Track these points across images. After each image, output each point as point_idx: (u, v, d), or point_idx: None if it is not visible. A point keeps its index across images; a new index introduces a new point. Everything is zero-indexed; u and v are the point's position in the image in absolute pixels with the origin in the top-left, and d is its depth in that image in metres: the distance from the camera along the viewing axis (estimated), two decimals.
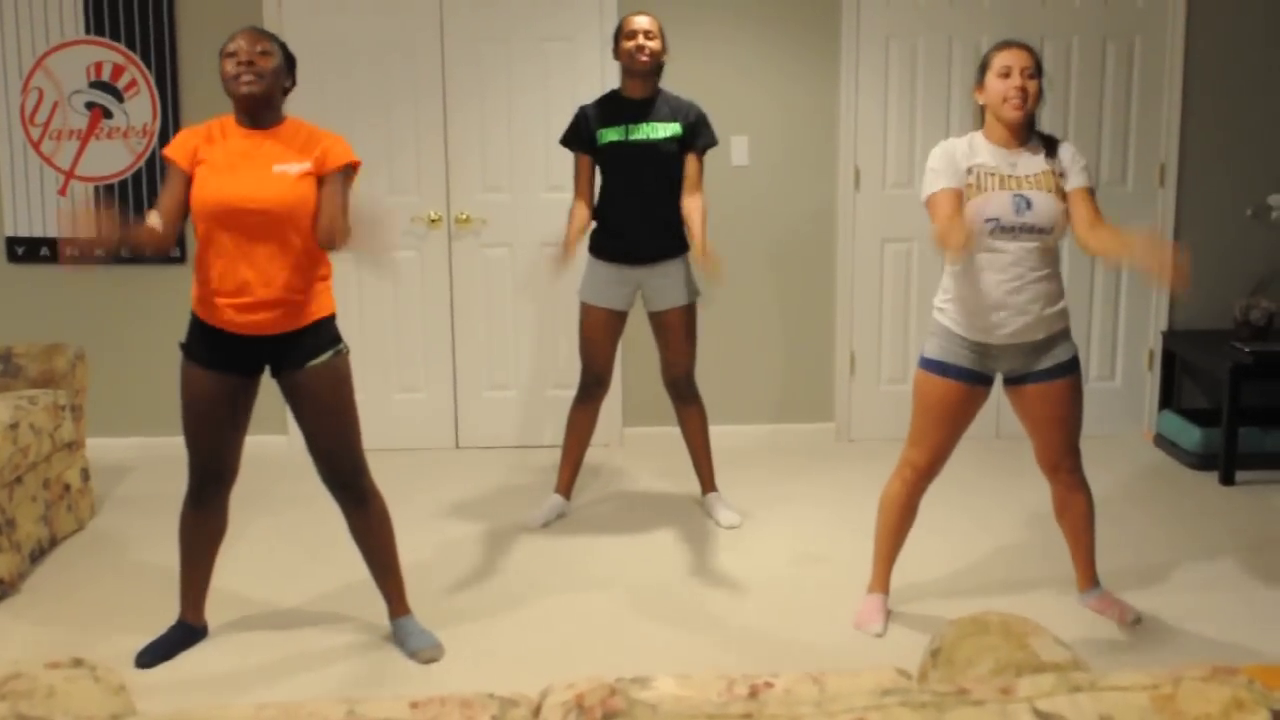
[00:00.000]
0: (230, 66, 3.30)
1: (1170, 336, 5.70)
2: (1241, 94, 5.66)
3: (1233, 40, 5.61)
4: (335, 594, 4.04)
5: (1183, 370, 5.81)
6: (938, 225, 3.38)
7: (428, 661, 3.55)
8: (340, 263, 5.49)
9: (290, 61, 3.43)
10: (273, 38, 3.37)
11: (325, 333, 3.44)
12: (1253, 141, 5.69)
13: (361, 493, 3.54)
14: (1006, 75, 3.45)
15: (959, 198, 3.46)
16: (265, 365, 3.45)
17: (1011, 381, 3.66)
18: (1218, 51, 5.61)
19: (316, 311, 3.42)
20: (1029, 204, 3.44)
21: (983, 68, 3.53)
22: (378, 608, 3.86)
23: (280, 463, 5.44)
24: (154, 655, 3.56)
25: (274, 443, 5.54)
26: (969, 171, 3.49)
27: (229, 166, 3.29)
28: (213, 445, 3.47)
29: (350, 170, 3.38)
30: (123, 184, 5.43)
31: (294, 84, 3.47)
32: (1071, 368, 3.63)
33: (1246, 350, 5.12)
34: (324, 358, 3.41)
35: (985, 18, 5.54)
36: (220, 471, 3.52)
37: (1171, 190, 5.69)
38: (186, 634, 3.66)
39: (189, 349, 3.42)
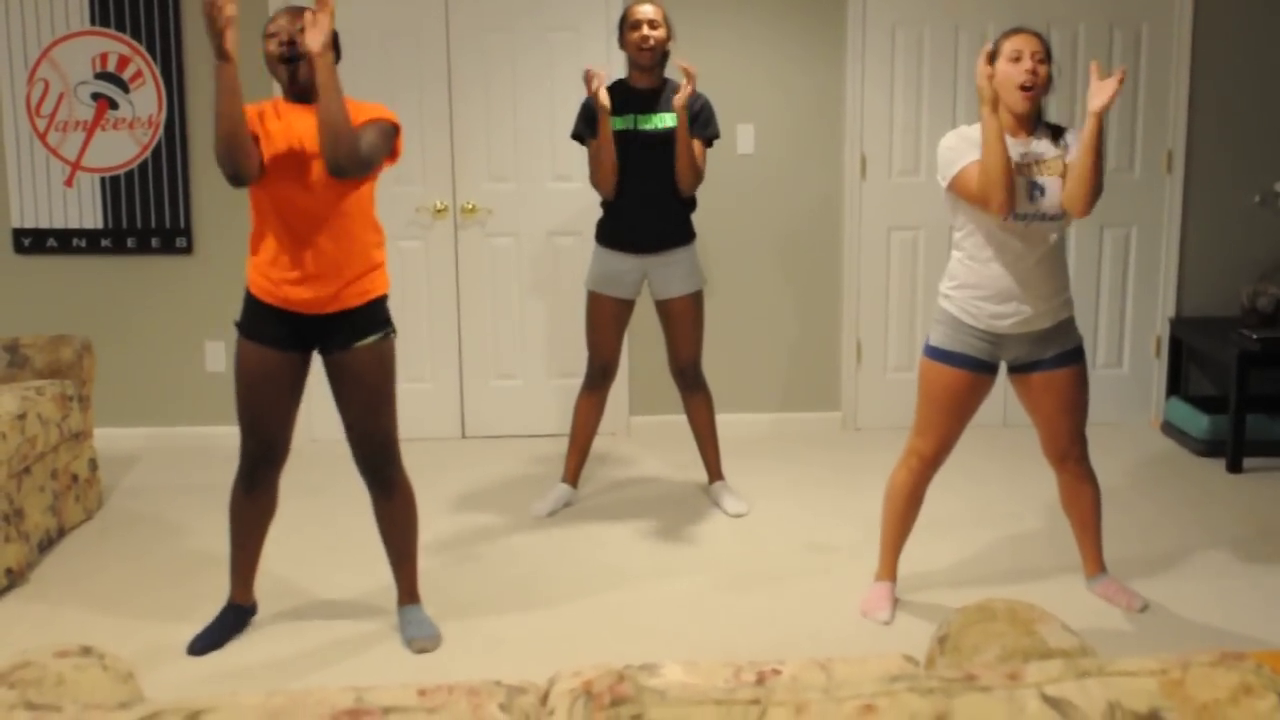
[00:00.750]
0: (274, 47, 3.30)
1: (1177, 324, 5.69)
2: (1249, 81, 5.64)
3: (1240, 27, 5.59)
4: (345, 583, 4.05)
5: (1190, 358, 5.80)
6: (978, 183, 3.38)
7: (420, 651, 3.56)
8: None
9: (334, 37, 3.42)
10: None
11: (377, 314, 3.45)
12: (1260, 128, 5.67)
13: (390, 482, 3.55)
14: (1017, 60, 3.43)
15: None
16: (316, 344, 3.45)
17: (1017, 370, 3.66)
18: (1225, 38, 5.59)
19: (371, 290, 3.43)
20: (1042, 191, 3.43)
21: (992, 55, 3.51)
22: (387, 597, 3.87)
23: (293, 451, 5.43)
24: (206, 642, 3.57)
25: None
26: None
27: (285, 137, 3.29)
28: (269, 423, 3.47)
29: (387, 125, 3.35)
30: (129, 175, 5.44)
31: (339, 57, 3.45)
32: (1077, 356, 3.62)
33: (1254, 337, 5.11)
34: (371, 339, 3.43)
35: (991, 5, 5.52)
36: (274, 450, 3.52)
37: (1179, 177, 5.68)
38: (238, 616, 3.67)
39: (245, 327, 3.43)
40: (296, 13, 3.33)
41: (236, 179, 3.22)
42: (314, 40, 3.17)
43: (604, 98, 4.29)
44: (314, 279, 3.34)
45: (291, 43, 3.28)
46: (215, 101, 3.16)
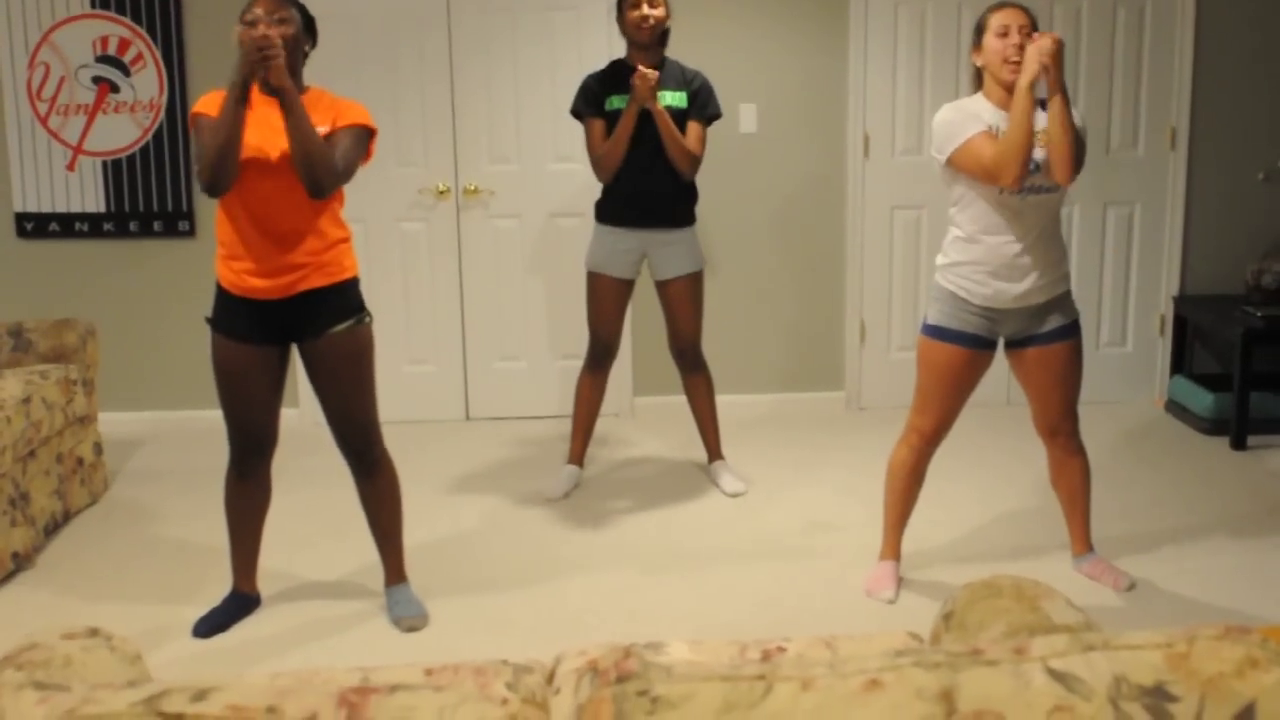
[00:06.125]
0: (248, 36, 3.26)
1: (1181, 301, 5.68)
2: (1253, 57, 5.62)
3: (1244, 3, 5.57)
4: (349, 566, 4.06)
5: (1194, 335, 5.79)
6: (992, 155, 3.35)
7: (409, 630, 3.57)
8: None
9: (309, 23, 3.40)
10: (292, 2, 3.33)
11: (349, 298, 3.43)
12: (1264, 105, 5.65)
13: (373, 461, 3.55)
14: (1005, 35, 3.43)
15: (994, 138, 3.42)
16: (290, 335, 3.43)
17: (1013, 345, 3.66)
18: (1229, 14, 5.57)
19: (339, 272, 3.40)
20: (1036, 165, 3.42)
21: (979, 29, 3.50)
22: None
23: (291, 436, 5.45)
24: (211, 625, 3.58)
25: (285, 415, 5.54)
26: (988, 128, 3.47)
27: (255, 125, 3.25)
28: (250, 416, 3.47)
29: (363, 131, 3.35)
30: (130, 158, 5.43)
31: (315, 44, 3.43)
32: (1073, 331, 3.62)
33: (1258, 315, 5.10)
34: (345, 325, 3.41)
35: None
36: (261, 441, 3.52)
37: (1183, 154, 5.66)
38: (242, 603, 3.68)
39: (217, 323, 3.42)
40: (276, 2, 3.28)
41: (214, 190, 3.22)
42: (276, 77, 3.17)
43: (645, 92, 4.27)
44: (277, 265, 3.31)
45: (265, 42, 3.19)
46: (220, 125, 3.14)
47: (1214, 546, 4.10)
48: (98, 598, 3.83)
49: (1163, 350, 5.83)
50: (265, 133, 3.25)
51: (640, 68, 4.29)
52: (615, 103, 4.41)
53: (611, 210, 4.51)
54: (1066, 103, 3.36)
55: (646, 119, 4.36)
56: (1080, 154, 3.41)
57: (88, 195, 5.45)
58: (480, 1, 5.43)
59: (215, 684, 1.38)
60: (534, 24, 5.45)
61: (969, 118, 3.46)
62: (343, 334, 3.41)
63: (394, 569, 3.70)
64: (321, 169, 3.20)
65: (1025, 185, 3.43)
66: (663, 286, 4.58)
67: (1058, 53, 3.30)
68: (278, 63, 3.14)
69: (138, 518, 4.52)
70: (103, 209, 5.46)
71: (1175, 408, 5.58)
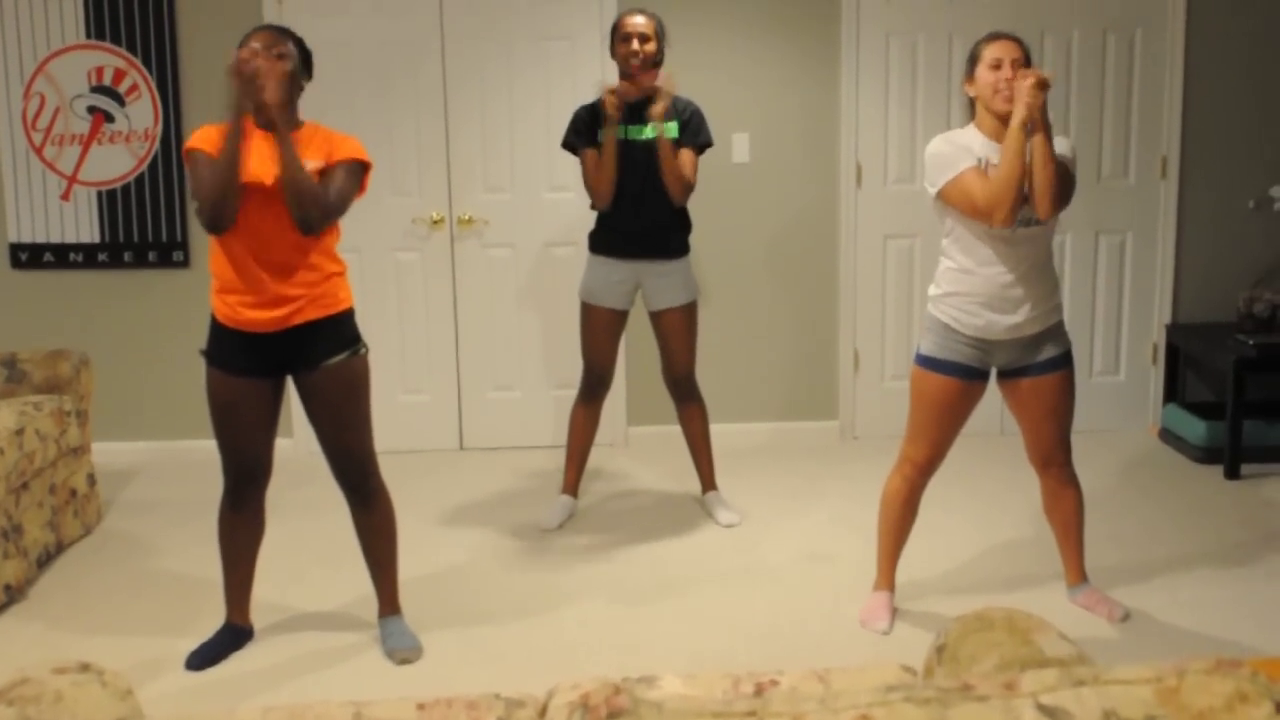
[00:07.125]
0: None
1: (1174, 330, 5.70)
2: (1243, 86, 5.65)
3: (1234, 32, 5.61)
4: (343, 598, 4.05)
5: (1187, 364, 5.80)
6: (983, 194, 3.37)
7: (402, 662, 3.56)
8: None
9: (306, 57, 3.42)
10: (289, 36, 3.34)
11: (344, 330, 3.43)
12: (1254, 133, 5.68)
13: (369, 493, 3.55)
14: (997, 67, 3.45)
15: (985, 175, 3.44)
16: (285, 367, 3.43)
17: (1006, 375, 3.66)
18: (1219, 43, 5.61)
19: (334, 304, 3.41)
20: (1025, 197, 3.44)
21: (972, 60, 3.52)
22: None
23: (285, 467, 5.43)
24: (204, 658, 3.57)
25: (279, 445, 5.52)
26: (979, 161, 3.48)
27: (250, 157, 3.26)
28: (244, 448, 3.46)
29: (357, 165, 3.36)
30: (125, 188, 5.44)
31: (310, 78, 3.45)
32: (1065, 361, 3.63)
33: (1250, 343, 5.12)
34: (340, 357, 3.41)
35: (985, 13, 5.53)
36: (255, 473, 3.52)
37: (1173, 183, 5.69)
38: (235, 636, 3.67)
39: (211, 355, 3.42)
40: (273, 36, 3.30)
41: (215, 228, 3.24)
42: (271, 94, 3.18)
43: (612, 109, 4.30)
44: (276, 300, 3.31)
45: (251, 69, 3.18)
46: (220, 164, 3.16)
47: (1208, 576, 4.10)
48: (90, 630, 3.81)
49: (1155, 379, 5.85)
50: (260, 165, 3.26)
51: (605, 84, 4.33)
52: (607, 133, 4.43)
53: (605, 241, 4.52)
54: (1049, 138, 3.37)
55: (639, 149, 4.38)
56: (1065, 189, 3.42)
57: (82, 226, 5.46)
58: (474, 31, 5.46)
59: (207, 719, 1.38)
60: (528, 53, 5.48)
61: (960, 151, 3.48)
62: (338, 365, 3.41)
63: (388, 601, 3.68)
64: (311, 207, 3.22)
65: (1017, 219, 3.44)
66: (657, 317, 4.59)
67: (1038, 89, 3.32)
68: (269, 92, 3.15)
69: (131, 549, 4.50)
70: (97, 239, 5.46)
71: (1169, 436, 5.59)
